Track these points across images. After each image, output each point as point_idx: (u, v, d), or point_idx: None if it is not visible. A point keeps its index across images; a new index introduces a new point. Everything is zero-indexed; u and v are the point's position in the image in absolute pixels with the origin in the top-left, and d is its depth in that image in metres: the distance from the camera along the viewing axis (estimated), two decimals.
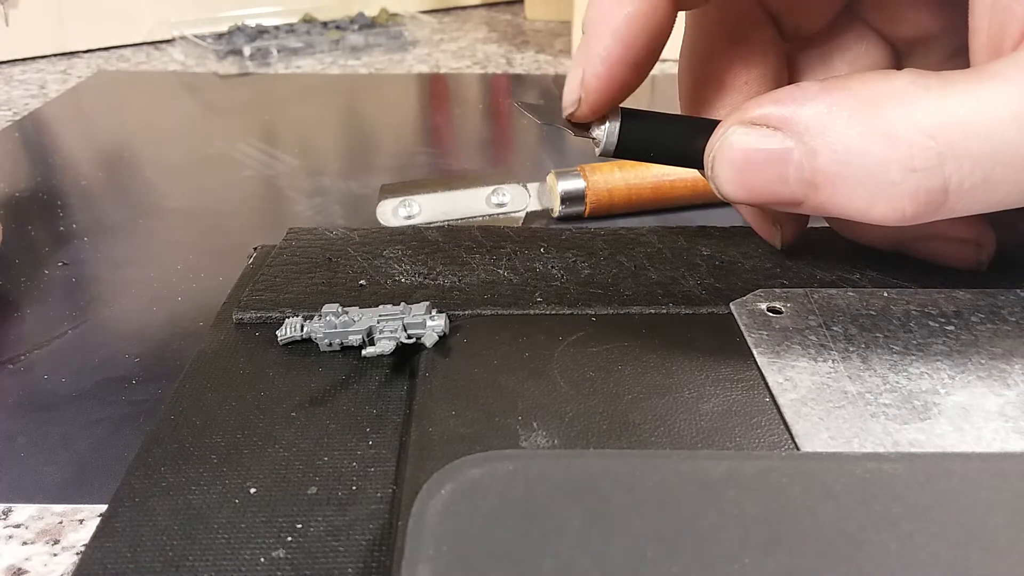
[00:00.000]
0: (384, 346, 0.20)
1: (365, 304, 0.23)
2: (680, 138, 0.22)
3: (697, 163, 0.21)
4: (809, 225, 0.26)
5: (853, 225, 0.25)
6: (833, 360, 0.20)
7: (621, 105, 0.21)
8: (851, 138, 0.18)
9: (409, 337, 0.21)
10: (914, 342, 0.21)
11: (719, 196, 0.20)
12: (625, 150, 0.22)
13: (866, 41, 0.25)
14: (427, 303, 0.22)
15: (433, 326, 0.21)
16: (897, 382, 0.19)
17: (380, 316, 0.22)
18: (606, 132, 0.21)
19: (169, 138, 0.47)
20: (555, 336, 0.22)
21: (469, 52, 0.68)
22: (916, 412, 0.18)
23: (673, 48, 0.23)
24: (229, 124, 0.50)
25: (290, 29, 0.69)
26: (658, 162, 0.23)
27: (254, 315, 0.23)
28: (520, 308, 0.23)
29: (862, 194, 0.18)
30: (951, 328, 0.21)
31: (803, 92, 0.19)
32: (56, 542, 0.19)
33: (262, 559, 0.15)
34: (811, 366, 0.20)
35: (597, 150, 0.22)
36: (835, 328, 0.21)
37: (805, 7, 0.24)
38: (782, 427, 0.18)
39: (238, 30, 0.67)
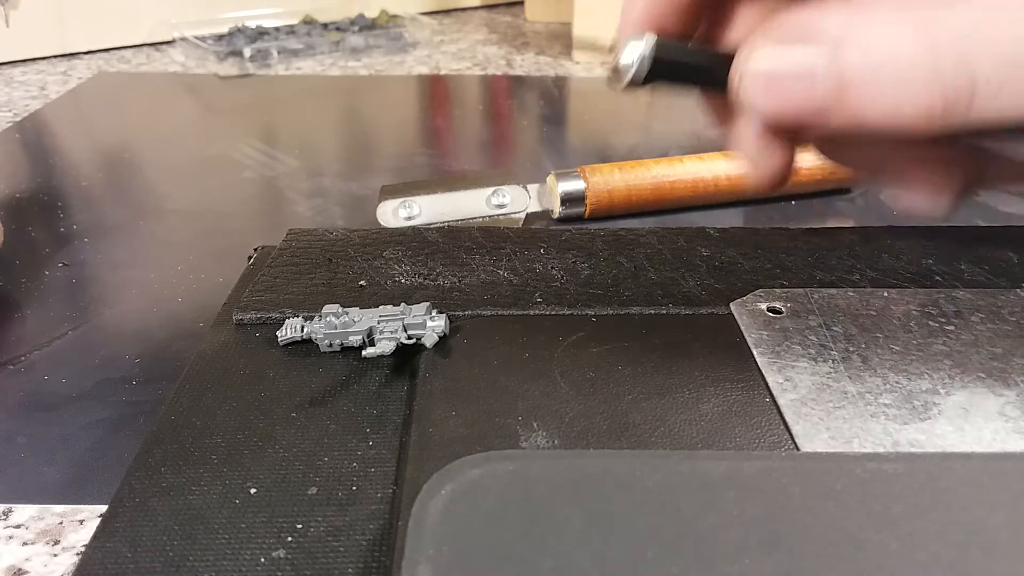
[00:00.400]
0: (384, 347, 0.20)
1: (365, 305, 0.23)
2: (711, 60, 0.22)
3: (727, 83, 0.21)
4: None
5: (843, 148, 0.24)
6: (833, 360, 0.20)
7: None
8: (879, 34, 0.18)
9: (409, 338, 0.21)
10: (914, 342, 0.21)
11: (748, 109, 0.21)
12: (657, 70, 0.21)
13: None
14: (427, 304, 0.22)
15: (433, 327, 0.21)
16: (897, 382, 0.19)
17: (380, 317, 0.22)
18: (640, 51, 0.21)
19: (169, 139, 0.47)
20: (555, 336, 0.22)
21: (469, 53, 0.68)
22: (916, 412, 0.18)
23: None
24: (229, 125, 0.50)
25: (290, 30, 0.69)
26: (688, 83, 0.23)
27: (254, 316, 0.23)
28: (520, 309, 0.23)
29: (891, 91, 0.18)
30: (951, 328, 0.21)
31: (827, 5, 0.19)
32: (56, 542, 0.19)
33: (262, 559, 0.15)
34: (811, 366, 0.20)
35: (629, 73, 0.21)
36: (835, 328, 0.21)
37: None
38: (782, 427, 0.18)
39: (238, 31, 0.68)
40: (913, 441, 0.18)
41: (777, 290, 0.23)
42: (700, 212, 0.36)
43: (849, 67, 0.19)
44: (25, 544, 0.19)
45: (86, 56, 0.66)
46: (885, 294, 0.23)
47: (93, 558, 0.16)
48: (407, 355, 0.21)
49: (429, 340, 0.21)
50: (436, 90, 0.58)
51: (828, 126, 0.20)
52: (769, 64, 0.20)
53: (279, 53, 0.65)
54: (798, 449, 0.17)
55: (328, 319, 0.21)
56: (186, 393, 0.20)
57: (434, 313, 0.22)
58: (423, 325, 0.21)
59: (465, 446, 0.17)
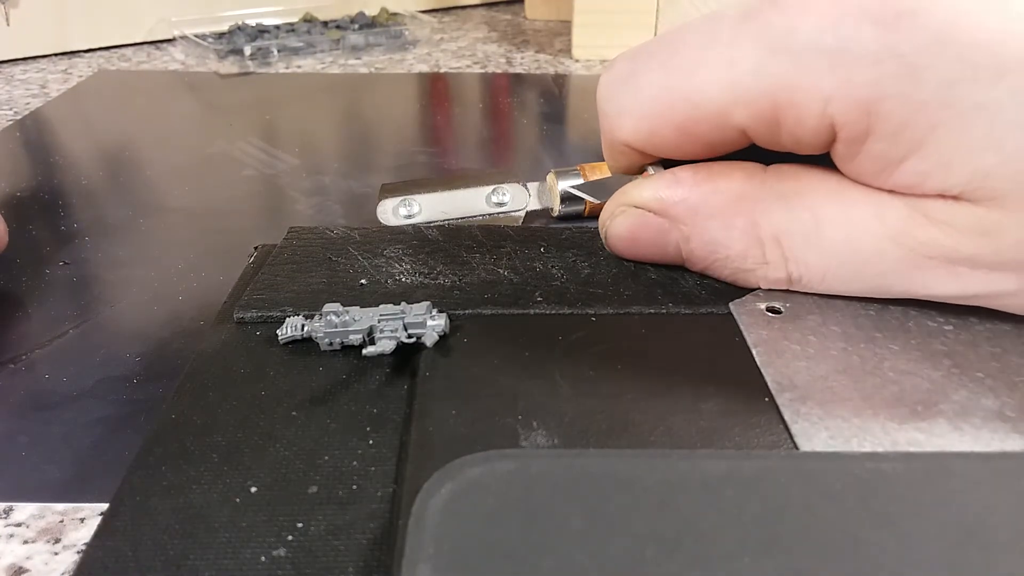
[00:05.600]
0: (384, 345, 0.20)
1: (366, 303, 0.23)
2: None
3: None
4: None
5: None
6: (832, 360, 0.20)
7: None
8: (715, 231, 0.22)
9: (409, 336, 0.21)
10: (913, 342, 0.21)
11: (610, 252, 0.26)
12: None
13: None
14: (427, 303, 0.22)
15: (433, 326, 0.21)
16: (896, 382, 0.19)
17: (381, 316, 0.22)
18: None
19: (170, 137, 0.47)
20: (555, 336, 0.22)
21: (469, 51, 0.68)
22: (915, 412, 0.18)
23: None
24: (230, 123, 0.50)
25: (290, 29, 0.69)
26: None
27: (255, 314, 0.23)
28: (520, 308, 0.23)
29: (725, 273, 0.23)
30: (950, 328, 0.21)
31: (678, 183, 0.22)
32: (57, 541, 0.19)
33: (263, 558, 0.15)
34: (810, 366, 0.20)
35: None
36: (834, 328, 0.21)
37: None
38: (781, 427, 0.18)
39: (239, 30, 0.67)
40: (912, 441, 0.18)
41: (776, 289, 0.23)
42: None
43: (694, 246, 0.23)
44: (26, 542, 0.19)
45: (86, 54, 0.66)
46: None
47: (94, 556, 0.16)
48: (407, 354, 0.21)
49: (429, 339, 0.21)
50: (436, 88, 0.58)
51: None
52: (627, 231, 0.24)
53: (279, 51, 0.65)
54: (797, 448, 0.18)
55: (328, 318, 0.21)
56: (186, 392, 0.20)
57: (434, 312, 0.22)
58: (423, 324, 0.21)
59: (465, 445, 0.17)
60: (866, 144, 0.19)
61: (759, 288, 0.23)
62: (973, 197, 0.18)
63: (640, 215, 0.23)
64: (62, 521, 0.20)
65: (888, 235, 0.20)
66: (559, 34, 0.74)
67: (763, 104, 0.19)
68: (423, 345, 0.21)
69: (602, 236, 0.25)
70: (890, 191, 0.20)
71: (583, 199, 0.34)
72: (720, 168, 0.22)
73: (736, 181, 0.22)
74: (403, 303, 0.22)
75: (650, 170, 0.24)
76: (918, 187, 0.19)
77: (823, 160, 0.21)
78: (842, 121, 0.19)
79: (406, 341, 0.21)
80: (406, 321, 0.21)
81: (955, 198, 0.19)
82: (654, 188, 0.23)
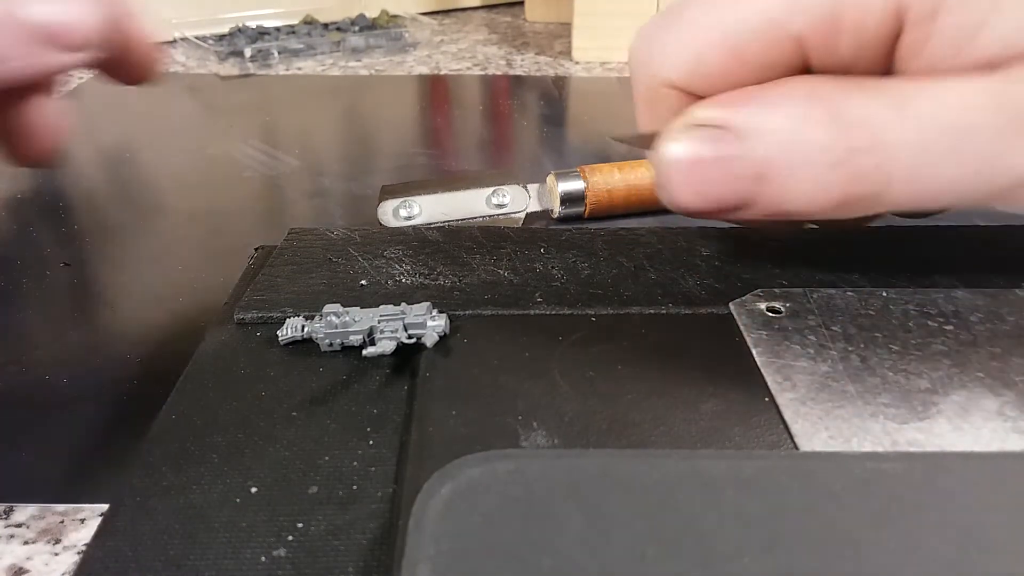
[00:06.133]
0: (384, 346, 0.20)
1: (366, 304, 0.23)
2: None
3: None
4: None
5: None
6: (832, 360, 0.20)
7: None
8: (793, 124, 0.19)
9: (410, 337, 0.21)
10: (913, 342, 0.21)
11: (672, 207, 0.20)
12: None
13: None
14: (427, 303, 0.22)
15: (433, 326, 0.21)
16: (896, 382, 0.19)
17: (381, 316, 0.22)
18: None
19: (170, 139, 0.47)
20: (555, 336, 0.22)
21: (469, 54, 0.68)
22: (915, 412, 0.18)
23: None
24: (230, 125, 0.50)
25: (291, 31, 0.69)
26: None
27: (255, 315, 0.23)
28: (520, 308, 0.23)
29: (809, 179, 0.19)
30: (950, 328, 0.21)
31: (742, 93, 0.19)
32: (57, 541, 0.19)
33: (263, 558, 0.15)
34: (810, 366, 0.20)
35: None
36: (834, 328, 0.21)
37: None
38: (781, 427, 0.18)
39: (239, 31, 0.68)
40: (912, 440, 0.18)
41: (776, 290, 0.23)
42: None
43: (768, 148, 0.19)
44: (26, 543, 0.19)
45: None
46: (884, 294, 0.23)
47: (94, 557, 0.16)
48: (407, 355, 0.21)
49: (430, 340, 0.21)
50: (436, 90, 0.58)
51: (747, 215, 0.20)
52: (685, 152, 0.20)
53: (280, 53, 0.65)
54: (797, 448, 0.18)
55: (329, 319, 0.21)
56: (187, 392, 0.20)
57: (434, 313, 0.22)
58: (423, 325, 0.21)
59: (465, 445, 0.17)
60: (938, 20, 0.18)
61: (852, 194, 0.19)
62: None
63: (701, 133, 0.20)
64: (62, 522, 0.20)
65: (985, 98, 0.18)
66: (559, 36, 0.74)
67: (822, 2, 0.18)
68: (423, 346, 0.21)
69: (656, 178, 0.21)
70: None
71: (583, 200, 0.34)
72: (783, 80, 0.20)
73: (804, 82, 0.19)
74: (403, 304, 0.22)
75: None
76: (1002, 53, 0.18)
77: None
78: None
79: (406, 342, 0.21)
80: (406, 322, 0.21)
81: None
82: (712, 102, 0.20)
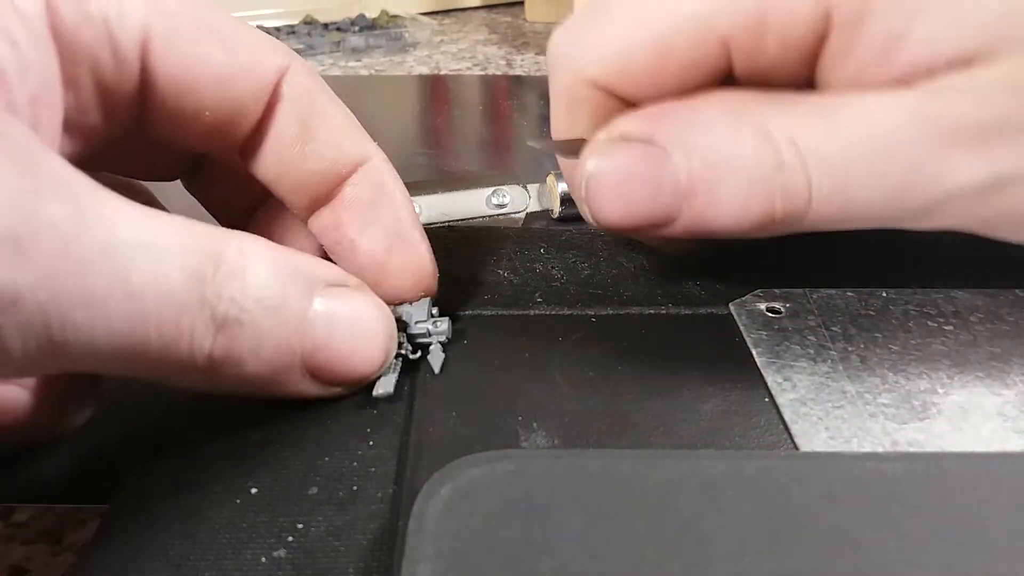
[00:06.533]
0: (387, 385, 0.19)
1: None
2: None
3: None
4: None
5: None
6: (832, 360, 0.20)
7: None
8: (721, 139, 0.18)
9: (415, 351, 0.21)
10: (913, 342, 0.21)
11: (595, 224, 0.20)
12: None
13: None
14: (427, 300, 0.21)
15: (438, 334, 0.21)
16: (896, 382, 0.19)
17: None
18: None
19: None
20: (555, 336, 0.22)
21: (469, 54, 0.68)
22: (915, 412, 0.18)
23: None
24: None
25: (291, 31, 0.69)
26: None
27: None
28: (520, 308, 0.23)
29: (735, 195, 0.18)
30: (950, 328, 0.21)
31: (666, 107, 0.19)
32: (57, 542, 0.19)
33: (263, 559, 0.15)
34: (810, 366, 0.20)
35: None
36: (834, 328, 0.21)
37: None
38: (781, 427, 0.18)
39: None
40: (912, 441, 0.18)
41: (776, 290, 0.23)
42: None
43: (696, 164, 0.18)
44: (25, 543, 0.19)
45: None
46: (884, 294, 0.23)
47: (94, 557, 0.16)
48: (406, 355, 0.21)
49: (436, 361, 0.20)
50: (436, 90, 0.58)
51: (669, 232, 0.20)
52: (612, 167, 0.19)
53: None
54: (797, 448, 0.18)
55: None
56: (187, 392, 0.20)
57: (435, 314, 0.21)
58: (427, 334, 0.21)
59: (465, 446, 0.17)
60: (864, 25, 0.17)
61: (775, 213, 0.19)
62: (989, 54, 0.17)
63: (627, 148, 0.19)
64: (62, 522, 0.20)
65: (909, 113, 0.18)
66: None
67: (749, 2, 0.18)
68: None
69: (579, 193, 0.20)
70: (894, 85, 0.18)
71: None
72: (709, 94, 0.19)
73: (731, 95, 0.19)
74: (404, 306, 0.22)
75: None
76: (928, 60, 0.18)
77: None
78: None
79: (412, 357, 0.20)
80: (409, 332, 0.21)
81: (968, 63, 0.17)
82: (638, 116, 0.19)
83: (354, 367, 0.18)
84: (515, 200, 0.33)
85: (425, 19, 0.74)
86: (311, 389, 0.18)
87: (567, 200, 0.34)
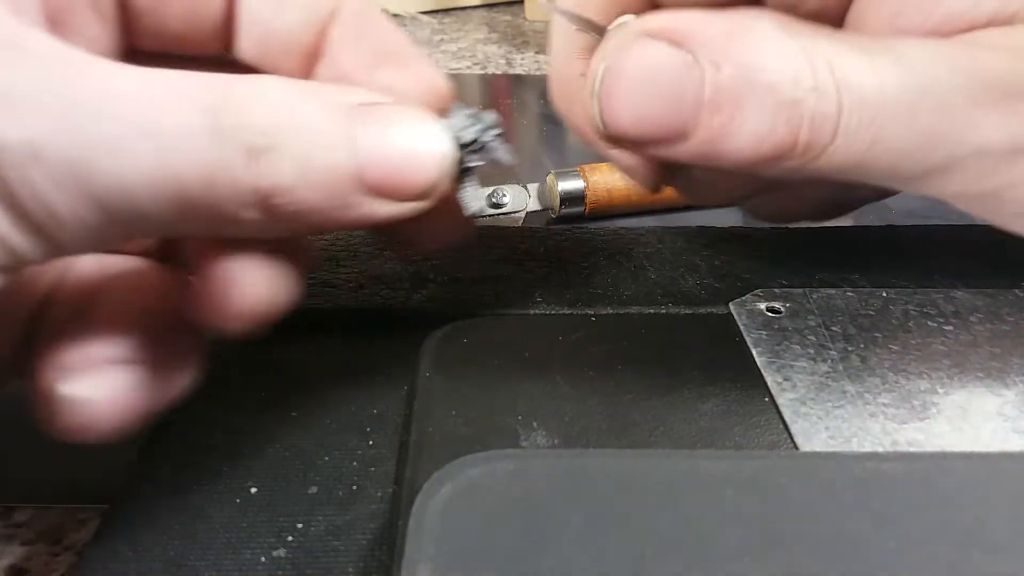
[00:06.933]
0: (476, 199, 0.18)
1: (362, 305, 0.23)
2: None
3: None
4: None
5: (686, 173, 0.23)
6: (832, 360, 0.20)
7: None
8: (758, 53, 0.17)
9: (477, 154, 0.18)
10: (913, 342, 0.21)
11: (597, 125, 0.18)
12: None
13: None
14: (456, 104, 0.19)
15: (490, 129, 0.18)
16: (896, 382, 0.19)
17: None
18: None
19: None
20: (555, 336, 0.22)
21: (469, 53, 0.68)
22: (915, 412, 0.18)
23: None
24: None
25: None
26: None
27: None
28: (520, 308, 0.23)
29: (761, 116, 0.17)
30: (950, 328, 0.21)
31: (704, 12, 0.17)
32: (57, 542, 0.19)
33: (263, 558, 0.15)
34: (810, 366, 0.20)
35: None
36: (834, 328, 0.21)
37: None
38: (781, 427, 0.18)
39: None
40: (912, 440, 0.18)
41: (776, 290, 0.23)
42: (700, 211, 0.36)
43: (726, 75, 0.17)
44: (25, 543, 0.19)
45: None
46: (884, 294, 0.23)
47: (94, 557, 0.16)
48: (406, 354, 0.21)
49: (503, 153, 0.18)
50: None
51: (675, 151, 0.18)
52: (639, 63, 0.17)
53: None
54: (797, 448, 0.18)
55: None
56: (186, 392, 0.20)
57: (472, 113, 0.18)
58: (479, 131, 0.18)
59: (465, 446, 0.17)
60: None
61: (798, 141, 0.17)
62: None
63: (654, 46, 0.17)
64: (62, 522, 0.20)
65: (946, 63, 0.17)
66: None
67: None
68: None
69: (591, 86, 0.18)
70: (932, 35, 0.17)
71: (583, 200, 0.34)
72: (742, 8, 0.18)
73: (771, 13, 0.18)
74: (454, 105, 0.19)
75: (629, 18, 0.19)
76: (969, 14, 0.17)
77: None
78: None
79: (478, 164, 0.18)
80: (461, 142, 0.18)
81: (1009, 20, 0.17)
82: (676, 13, 0.18)
83: (413, 171, 0.17)
84: (515, 199, 0.33)
85: (425, 18, 0.74)
86: (384, 208, 0.17)
87: (567, 199, 0.34)
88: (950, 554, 0.13)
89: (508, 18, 0.82)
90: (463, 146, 0.18)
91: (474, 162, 0.18)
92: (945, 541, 0.13)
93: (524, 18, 0.82)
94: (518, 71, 0.62)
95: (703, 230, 0.28)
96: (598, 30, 0.19)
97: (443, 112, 0.19)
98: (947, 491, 0.14)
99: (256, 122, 0.15)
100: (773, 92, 0.17)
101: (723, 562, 0.13)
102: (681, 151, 0.18)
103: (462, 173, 0.18)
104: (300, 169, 0.16)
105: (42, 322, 0.19)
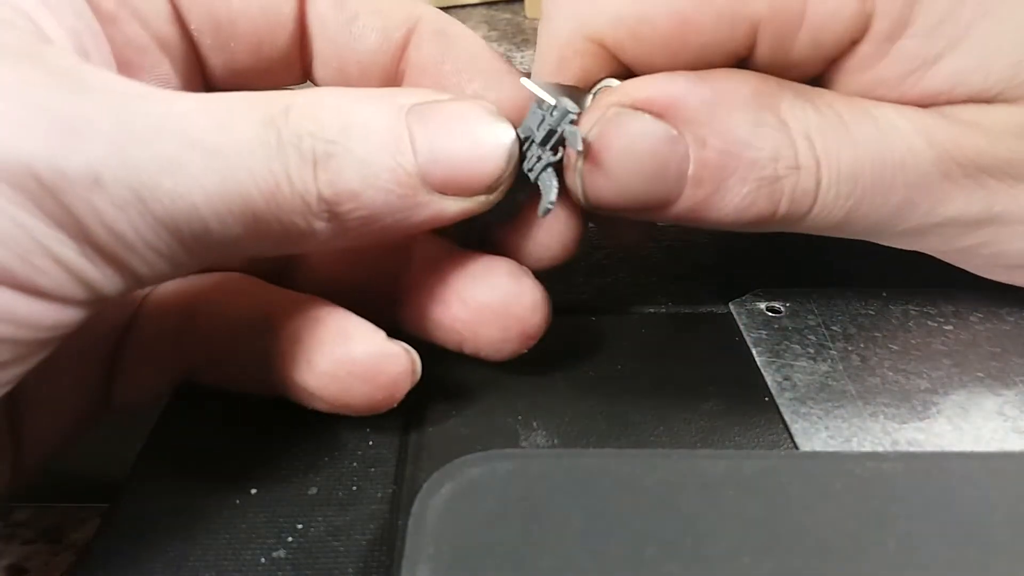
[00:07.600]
0: (549, 196, 0.18)
1: None
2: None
3: None
4: None
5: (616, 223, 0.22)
6: (832, 360, 0.20)
7: None
8: (741, 127, 0.17)
9: (553, 151, 0.18)
10: (913, 341, 0.21)
11: (579, 198, 0.18)
12: None
13: None
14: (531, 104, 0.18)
15: (562, 117, 0.17)
16: (896, 381, 0.19)
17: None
18: None
19: None
20: (555, 336, 0.22)
21: None
22: (915, 411, 0.18)
23: None
24: None
25: None
26: None
27: None
28: None
29: (742, 191, 0.17)
30: (950, 328, 0.21)
31: (686, 78, 0.17)
32: (57, 541, 0.19)
33: (263, 559, 0.15)
34: (810, 365, 0.20)
35: None
36: (834, 328, 0.21)
37: None
38: (781, 426, 0.18)
39: None
40: (912, 440, 0.18)
41: (776, 290, 0.23)
42: None
43: (710, 152, 0.17)
44: (25, 543, 0.19)
45: None
46: (884, 294, 0.23)
47: (94, 557, 0.16)
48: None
49: (576, 140, 0.17)
50: None
51: (657, 217, 0.18)
52: (620, 141, 0.17)
53: None
54: (797, 448, 0.18)
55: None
56: (186, 392, 0.20)
57: (541, 105, 0.18)
58: (556, 123, 0.18)
59: (465, 445, 0.17)
60: (900, 40, 0.17)
61: (777, 212, 0.18)
62: (1012, 96, 0.17)
63: (637, 120, 0.17)
64: (62, 521, 0.20)
65: (925, 136, 0.17)
66: None
67: None
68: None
69: (573, 160, 0.18)
70: (909, 104, 0.18)
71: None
72: (721, 69, 0.18)
73: (750, 76, 0.18)
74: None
75: (611, 82, 0.19)
76: (948, 92, 0.17)
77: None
78: (883, 9, 0.17)
79: (554, 159, 0.18)
80: (535, 141, 0.18)
81: (988, 101, 0.17)
82: (657, 82, 0.17)
83: (476, 165, 0.17)
84: None
85: None
86: (452, 205, 0.17)
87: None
88: (950, 554, 0.13)
89: (508, 16, 0.82)
90: (543, 141, 0.18)
91: (548, 158, 0.18)
92: (945, 541, 0.13)
93: (524, 16, 0.81)
94: (518, 69, 0.62)
95: (703, 230, 0.28)
96: (578, 94, 0.19)
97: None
98: (947, 491, 0.14)
99: (314, 129, 0.15)
100: (755, 169, 0.17)
101: (723, 562, 0.13)
102: (661, 216, 0.18)
103: (541, 167, 0.18)
104: (363, 173, 0.15)
105: (124, 349, 0.19)
